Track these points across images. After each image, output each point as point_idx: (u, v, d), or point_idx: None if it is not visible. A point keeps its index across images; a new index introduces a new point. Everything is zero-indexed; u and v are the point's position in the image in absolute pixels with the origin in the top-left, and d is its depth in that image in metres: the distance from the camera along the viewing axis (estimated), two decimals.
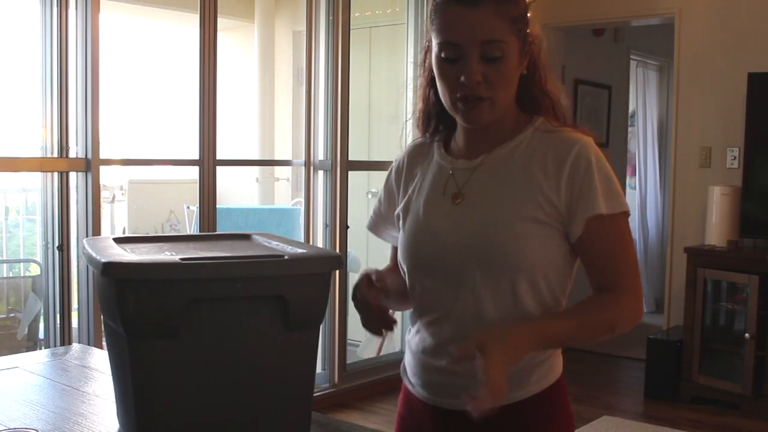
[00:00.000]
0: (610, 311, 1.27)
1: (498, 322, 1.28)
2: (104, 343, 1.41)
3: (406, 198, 1.43)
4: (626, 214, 1.30)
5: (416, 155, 1.46)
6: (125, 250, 1.17)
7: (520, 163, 1.31)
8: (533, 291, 1.29)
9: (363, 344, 4.83)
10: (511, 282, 1.28)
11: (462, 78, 1.26)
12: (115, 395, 1.25)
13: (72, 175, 3.21)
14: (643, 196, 7.35)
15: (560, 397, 1.37)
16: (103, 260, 1.04)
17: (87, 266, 3.24)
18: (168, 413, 1.05)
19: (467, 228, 1.30)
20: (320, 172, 4.34)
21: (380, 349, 4.81)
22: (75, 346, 2.10)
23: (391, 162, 1.53)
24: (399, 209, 1.44)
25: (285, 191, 6.75)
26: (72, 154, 3.20)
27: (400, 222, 1.42)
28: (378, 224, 1.53)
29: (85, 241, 1.21)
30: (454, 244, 1.30)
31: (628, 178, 7.09)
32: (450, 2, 1.26)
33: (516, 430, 1.33)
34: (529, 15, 1.31)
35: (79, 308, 3.31)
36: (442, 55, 1.28)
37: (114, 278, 1.01)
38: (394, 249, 1.51)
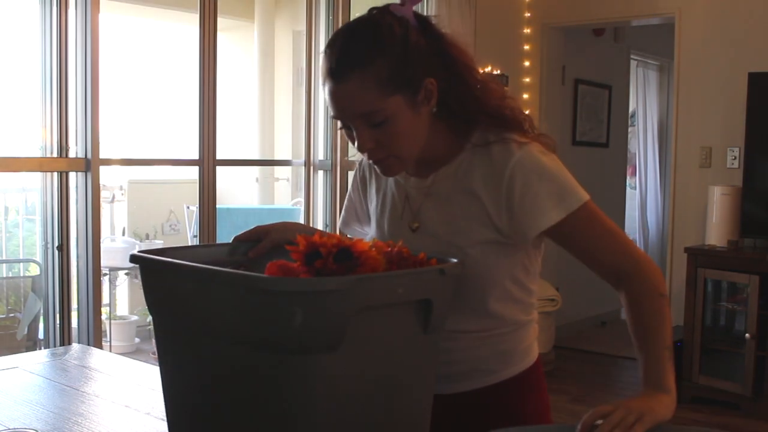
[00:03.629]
0: (646, 299, 1.26)
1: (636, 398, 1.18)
2: (105, 345, 1.37)
3: (373, 216, 1.47)
4: (586, 204, 1.27)
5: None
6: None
7: (465, 184, 1.31)
8: (503, 297, 1.34)
9: None
10: (478, 298, 1.32)
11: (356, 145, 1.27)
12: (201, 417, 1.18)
13: (72, 175, 3.21)
14: (643, 196, 7.35)
15: (538, 380, 1.43)
16: (260, 276, 1.03)
17: (87, 267, 3.24)
18: (325, 429, 1.04)
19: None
20: (320, 172, 4.34)
21: None
22: (75, 346, 2.10)
23: None
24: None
25: (285, 191, 6.75)
26: (72, 154, 3.20)
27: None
28: (348, 221, 1.57)
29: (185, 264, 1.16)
30: None
31: (628, 178, 7.09)
32: (325, 78, 1.24)
33: (496, 410, 1.38)
34: (411, 57, 1.23)
35: (78, 308, 3.30)
36: (338, 125, 1.29)
37: (278, 292, 0.98)
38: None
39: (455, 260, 1.16)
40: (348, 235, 1.55)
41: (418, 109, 1.26)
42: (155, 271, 1.20)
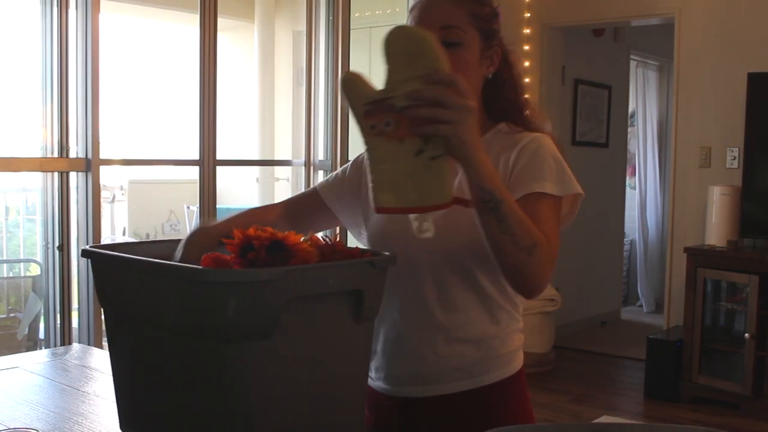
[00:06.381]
0: (538, 234, 1.23)
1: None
2: (105, 344, 1.39)
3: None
4: (578, 195, 1.34)
5: None
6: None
7: None
8: (492, 272, 1.34)
9: None
10: (467, 266, 1.34)
11: None
12: (141, 403, 1.22)
13: (72, 175, 3.21)
14: (643, 196, 7.35)
15: (520, 388, 1.43)
16: (196, 267, 1.07)
17: (87, 267, 3.24)
18: (261, 414, 1.07)
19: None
20: (320, 172, 4.34)
21: None
22: (75, 346, 2.10)
23: None
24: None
25: (285, 191, 6.76)
26: (72, 154, 3.20)
27: (368, 214, 1.48)
28: (333, 187, 1.56)
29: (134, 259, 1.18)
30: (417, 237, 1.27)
31: (628, 178, 7.09)
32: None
33: (477, 415, 1.38)
34: (495, 26, 1.39)
35: (79, 308, 3.30)
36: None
37: (212, 283, 1.02)
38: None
39: (387, 254, 1.18)
40: (323, 199, 1.55)
41: (483, 61, 1.37)
42: (104, 265, 1.25)
